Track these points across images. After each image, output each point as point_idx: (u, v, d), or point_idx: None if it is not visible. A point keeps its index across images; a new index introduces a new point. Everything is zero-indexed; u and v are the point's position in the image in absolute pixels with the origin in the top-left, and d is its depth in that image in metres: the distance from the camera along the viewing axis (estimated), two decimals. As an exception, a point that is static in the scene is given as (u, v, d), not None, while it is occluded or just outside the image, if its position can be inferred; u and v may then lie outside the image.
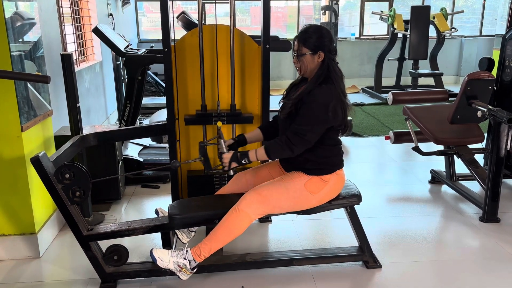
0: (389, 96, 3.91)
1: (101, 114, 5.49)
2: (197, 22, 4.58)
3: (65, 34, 4.54)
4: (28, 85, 2.63)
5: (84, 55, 5.22)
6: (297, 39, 2.27)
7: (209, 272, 2.47)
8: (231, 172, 2.33)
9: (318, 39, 2.23)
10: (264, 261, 2.51)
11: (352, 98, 7.66)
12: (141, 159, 3.96)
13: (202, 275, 2.46)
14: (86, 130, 3.09)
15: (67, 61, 2.83)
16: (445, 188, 3.78)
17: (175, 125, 2.90)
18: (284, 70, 8.94)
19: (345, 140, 5.20)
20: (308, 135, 2.18)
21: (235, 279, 2.45)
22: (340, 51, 8.76)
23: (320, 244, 2.83)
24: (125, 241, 2.58)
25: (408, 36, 7.53)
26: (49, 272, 2.57)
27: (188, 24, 4.34)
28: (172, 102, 2.86)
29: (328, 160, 2.29)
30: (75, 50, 4.82)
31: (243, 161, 2.27)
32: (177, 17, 4.52)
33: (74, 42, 4.78)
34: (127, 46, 3.87)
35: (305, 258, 2.53)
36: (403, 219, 3.22)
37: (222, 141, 2.35)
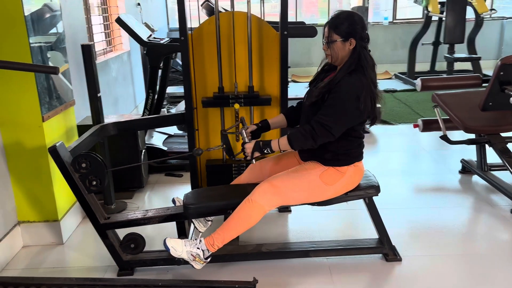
0: (417, 82, 3.77)
1: (129, 103, 5.58)
2: (221, 10, 4.56)
3: (91, 25, 4.61)
4: (51, 75, 2.68)
5: (111, 45, 5.29)
6: (328, 25, 2.19)
7: (224, 261, 2.47)
8: (254, 161, 2.29)
9: (349, 25, 2.14)
10: (280, 252, 2.48)
11: (384, 85, 7.46)
12: (165, 148, 3.99)
13: (217, 265, 2.46)
14: (113, 119, 3.17)
15: (87, 51, 2.86)
16: (476, 178, 3.61)
17: (193, 114, 2.89)
18: (314, 56, 8.79)
19: (374, 128, 5.06)
20: (334, 127, 2.09)
21: (250, 269, 2.43)
22: (372, 36, 8.48)
23: (339, 236, 2.76)
24: (147, 229, 2.59)
25: (443, 19, 7.21)
26: (71, 259, 2.64)
27: (211, 11, 4.30)
28: (190, 91, 2.85)
29: (348, 151, 2.22)
30: (103, 40, 4.89)
31: (265, 151, 2.21)
32: (201, 5, 4.50)
33: (102, 32, 4.84)
34: (150, 35, 3.88)
35: (322, 250, 2.48)
36: (430, 210, 3.11)
37: (243, 130, 2.30)
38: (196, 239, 2.25)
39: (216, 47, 2.79)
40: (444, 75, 7.41)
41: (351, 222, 2.96)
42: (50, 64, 2.70)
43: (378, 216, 2.43)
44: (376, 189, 2.33)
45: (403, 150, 4.46)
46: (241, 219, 2.20)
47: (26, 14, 2.41)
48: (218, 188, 2.49)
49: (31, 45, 2.45)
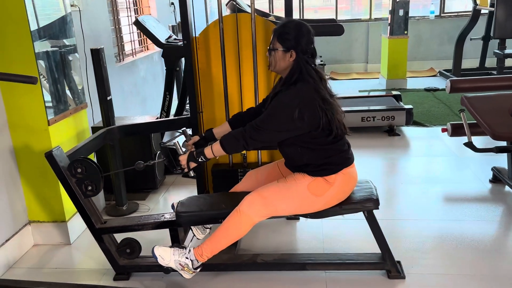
0: (447, 83, 3.53)
1: (160, 102, 5.64)
2: (247, 10, 4.50)
3: (120, 26, 4.70)
4: (60, 79, 2.75)
5: (142, 45, 5.38)
6: (273, 32, 2.11)
7: (219, 270, 2.42)
8: (191, 173, 2.22)
9: (294, 37, 2.05)
10: (275, 263, 2.39)
11: (426, 83, 7.10)
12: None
13: (211, 274, 2.42)
14: (140, 120, 3.35)
15: (96, 55, 2.91)
16: (508, 189, 3.33)
17: (198, 118, 2.86)
18: (355, 53, 8.51)
19: (406, 130, 4.82)
20: (263, 130, 2.04)
21: (244, 280, 2.37)
22: (417, 31, 8.21)
23: (345, 247, 2.64)
24: (150, 233, 2.56)
25: (494, 12, 6.71)
26: (75, 260, 2.70)
27: (236, 11, 4.26)
28: (194, 96, 2.82)
29: (329, 160, 2.10)
30: (132, 41, 4.98)
31: (199, 160, 2.15)
32: (226, 4, 4.46)
33: (132, 33, 4.93)
34: (170, 36, 3.89)
35: (320, 263, 2.37)
36: (451, 223, 2.89)
37: (177, 141, 2.25)
38: (185, 248, 2.22)
39: (221, 50, 2.74)
40: (494, 73, 6.95)
41: (360, 232, 2.79)
42: (59, 69, 2.76)
43: (379, 230, 2.28)
44: (374, 202, 2.18)
45: (433, 155, 4.19)
46: (229, 230, 2.14)
47: (30, 21, 2.47)
48: (213, 196, 2.45)
49: (37, 52, 2.52)
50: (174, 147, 2.28)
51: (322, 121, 2.00)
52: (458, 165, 3.88)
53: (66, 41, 2.87)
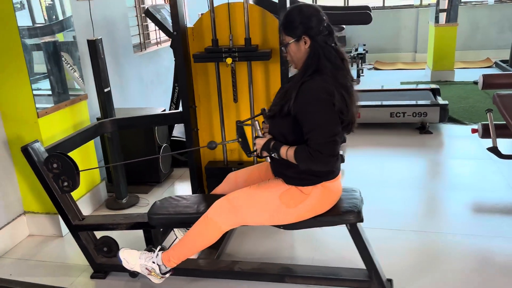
0: (479, 79, 3.16)
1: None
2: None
3: (143, 14, 4.65)
4: (53, 71, 2.73)
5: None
6: (279, 28, 1.90)
7: (194, 276, 2.30)
8: (268, 159, 2.03)
9: (301, 21, 1.81)
10: (252, 273, 2.22)
11: (477, 74, 6.45)
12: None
13: (187, 279, 2.30)
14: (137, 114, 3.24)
15: (92, 46, 2.85)
16: (544, 200, 2.92)
17: (190, 114, 2.73)
18: (403, 41, 7.99)
19: (440, 128, 4.41)
20: (337, 140, 1.78)
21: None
22: (473, 17, 7.56)
23: (334, 259, 2.40)
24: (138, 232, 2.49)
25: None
26: (61, 253, 2.68)
27: None
28: (186, 89, 2.68)
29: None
30: (156, 30, 4.92)
31: (272, 154, 1.92)
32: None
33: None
34: (183, 26, 3.77)
35: (300, 276, 2.17)
36: (465, 238, 2.56)
37: (256, 122, 2.04)
38: (154, 252, 2.12)
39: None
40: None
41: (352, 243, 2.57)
42: (52, 62, 2.73)
43: (363, 245, 2.03)
44: (356, 215, 1.93)
45: (465, 157, 3.78)
46: (195, 237, 2.01)
47: (18, 18, 2.45)
48: (190, 198, 2.31)
49: (27, 43, 2.50)
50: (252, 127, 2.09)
51: (347, 113, 1.80)
52: (490, 170, 3.47)
53: (62, 33, 2.83)
